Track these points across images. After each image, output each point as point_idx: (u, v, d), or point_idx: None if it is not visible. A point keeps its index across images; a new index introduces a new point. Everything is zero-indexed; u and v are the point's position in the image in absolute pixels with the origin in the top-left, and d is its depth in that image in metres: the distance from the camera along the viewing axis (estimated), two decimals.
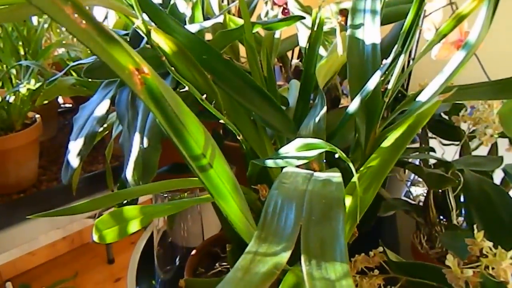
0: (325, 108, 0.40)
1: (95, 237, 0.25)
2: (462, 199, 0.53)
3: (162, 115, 0.23)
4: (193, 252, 0.47)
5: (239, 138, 0.45)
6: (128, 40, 0.49)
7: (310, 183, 0.24)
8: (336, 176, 0.25)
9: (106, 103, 0.44)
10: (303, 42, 0.59)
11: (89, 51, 0.78)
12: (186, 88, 0.42)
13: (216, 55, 0.39)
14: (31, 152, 0.73)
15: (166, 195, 0.60)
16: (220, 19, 0.48)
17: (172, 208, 0.29)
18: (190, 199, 0.32)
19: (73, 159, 0.41)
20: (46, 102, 0.74)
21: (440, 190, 0.52)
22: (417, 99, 0.35)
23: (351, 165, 0.24)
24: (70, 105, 1.12)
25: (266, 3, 0.65)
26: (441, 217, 0.54)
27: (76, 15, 0.18)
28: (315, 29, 0.44)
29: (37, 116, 0.74)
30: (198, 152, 0.25)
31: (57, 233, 1.66)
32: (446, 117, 0.63)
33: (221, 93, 0.40)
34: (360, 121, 0.40)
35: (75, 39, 0.94)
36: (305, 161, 0.28)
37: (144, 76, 0.21)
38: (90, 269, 1.69)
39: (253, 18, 0.63)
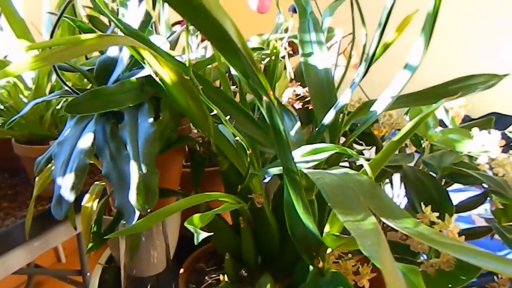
0: (298, 123, 0.48)
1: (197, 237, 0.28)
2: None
3: (271, 120, 0.28)
4: (181, 271, 0.50)
5: (219, 158, 0.50)
6: (95, 74, 0.50)
7: (338, 175, 0.30)
8: (348, 169, 0.32)
9: (90, 136, 0.45)
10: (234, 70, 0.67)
11: (16, 89, 0.74)
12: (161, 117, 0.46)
13: (207, 84, 0.44)
14: None
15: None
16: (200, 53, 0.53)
17: (210, 217, 0.33)
18: (220, 207, 0.36)
19: (67, 194, 0.42)
20: None
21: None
22: (371, 109, 0.45)
23: (364, 161, 0.32)
24: None
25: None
26: None
27: None
28: (272, 57, 0.52)
29: None
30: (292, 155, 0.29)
31: None
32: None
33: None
34: (325, 132, 0.48)
35: None
36: (315, 163, 0.35)
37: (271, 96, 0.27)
38: None
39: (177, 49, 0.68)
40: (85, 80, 0.69)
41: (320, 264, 0.34)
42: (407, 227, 0.22)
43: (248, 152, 0.39)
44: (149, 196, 0.41)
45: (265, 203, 0.45)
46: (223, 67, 0.50)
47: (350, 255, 0.40)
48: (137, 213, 0.41)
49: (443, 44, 2.40)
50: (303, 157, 0.36)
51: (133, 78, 0.47)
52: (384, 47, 0.46)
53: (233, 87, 0.81)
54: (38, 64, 0.27)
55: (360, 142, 0.76)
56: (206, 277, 0.51)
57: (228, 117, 0.36)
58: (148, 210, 0.41)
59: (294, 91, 0.67)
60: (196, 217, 0.30)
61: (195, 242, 0.28)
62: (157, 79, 0.39)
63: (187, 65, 0.37)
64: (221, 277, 0.50)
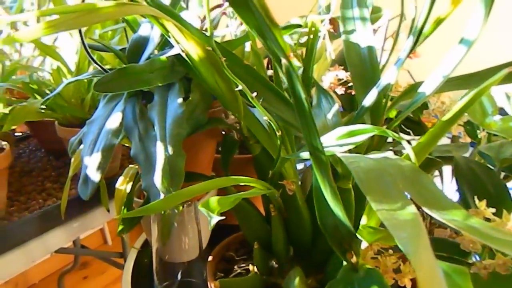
0: (337, 105, 0.44)
1: (213, 220, 0.25)
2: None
3: (291, 87, 0.25)
4: (210, 258, 0.48)
5: (250, 143, 0.47)
6: (127, 53, 0.49)
7: (376, 159, 0.27)
8: (389, 154, 0.28)
9: (118, 116, 0.44)
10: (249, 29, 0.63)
11: (59, 73, 0.75)
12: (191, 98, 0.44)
13: (237, 61, 0.41)
14: (1, 182, 0.68)
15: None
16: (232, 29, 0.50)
17: (234, 201, 0.30)
18: (248, 191, 0.33)
19: (93, 174, 0.41)
20: (14, 127, 0.70)
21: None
22: (419, 91, 0.40)
23: (406, 144, 0.28)
24: (20, 134, 1.05)
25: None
26: None
27: None
28: (311, 36, 0.48)
29: (4, 143, 0.70)
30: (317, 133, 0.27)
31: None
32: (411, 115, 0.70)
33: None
34: (366, 115, 0.44)
35: (31, 60, 0.90)
36: (350, 147, 0.31)
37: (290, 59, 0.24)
38: None
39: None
40: None
41: (354, 259, 0.30)
42: (455, 220, 0.19)
43: (277, 134, 0.36)
44: (174, 179, 0.39)
45: (298, 191, 0.42)
46: (255, 44, 0.47)
47: (390, 251, 0.36)
48: (162, 196, 0.40)
49: (503, 19, 2.21)
50: (338, 140, 0.32)
51: (163, 57, 0.45)
52: (436, 22, 0.41)
53: (270, 71, 0.78)
54: (50, 31, 0.25)
55: (408, 130, 0.70)
56: (235, 266, 0.48)
57: (255, 93, 0.33)
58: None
59: (336, 75, 0.63)
60: (213, 200, 0.27)
61: (209, 228, 0.26)
62: (183, 54, 0.37)
63: (208, 34, 0.35)
64: (250, 267, 0.47)
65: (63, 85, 0.50)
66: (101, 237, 1.93)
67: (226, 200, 0.29)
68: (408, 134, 0.70)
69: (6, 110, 0.64)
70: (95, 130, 0.44)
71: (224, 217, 0.27)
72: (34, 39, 0.83)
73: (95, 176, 0.41)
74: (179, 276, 0.62)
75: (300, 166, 0.70)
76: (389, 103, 0.48)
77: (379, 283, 0.26)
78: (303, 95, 0.27)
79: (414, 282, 0.37)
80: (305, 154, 0.35)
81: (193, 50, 0.36)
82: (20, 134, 1.05)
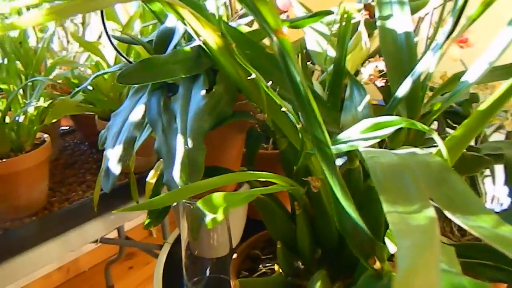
0: (368, 97, 0.41)
1: (208, 219, 0.24)
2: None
3: (285, 70, 0.23)
4: (234, 256, 0.46)
5: (277, 137, 0.45)
6: (154, 45, 0.48)
7: (400, 155, 0.24)
8: (416, 149, 0.25)
9: (141, 108, 0.43)
10: (310, 45, 0.60)
11: (98, 67, 0.77)
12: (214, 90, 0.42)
13: (260, 50, 0.39)
14: (42, 173, 0.70)
15: (189, 202, 0.59)
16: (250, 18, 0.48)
17: (246, 198, 0.28)
18: (263, 188, 0.31)
19: (114, 166, 0.40)
20: (54, 121, 0.72)
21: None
22: (462, 80, 0.36)
23: (437, 138, 0.24)
24: (68, 127, 1.10)
25: None
26: None
27: None
28: (343, 23, 0.45)
29: (46, 136, 0.72)
30: (320, 121, 0.24)
31: (51, 264, 1.60)
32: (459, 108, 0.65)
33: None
34: (401, 107, 0.40)
35: (77, 57, 0.93)
36: (375, 141, 0.28)
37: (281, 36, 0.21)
38: None
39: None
40: None
41: (377, 265, 0.27)
42: (481, 227, 0.15)
43: (298, 126, 0.33)
44: (193, 173, 0.38)
45: (324, 188, 0.39)
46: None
47: None
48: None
49: None
50: (362, 133, 0.29)
51: (187, 48, 0.44)
52: (485, 4, 0.37)
53: (308, 63, 0.75)
54: (51, 17, 0.24)
55: (455, 125, 0.65)
56: (260, 266, 0.46)
57: (270, 82, 0.31)
58: None
59: (376, 66, 0.59)
60: (218, 196, 0.25)
61: (207, 226, 0.24)
62: (200, 42, 0.35)
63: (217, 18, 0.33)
64: (275, 267, 0.45)
65: (91, 79, 0.50)
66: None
67: (236, 196, 0.27)
68: (455, 129, 0.64)
69: (46, 104, 0.66)
70: (119, 122, 0.44)
71: (218, 216, 0.25)
72: (75, 38, 0.85)
73: (116, 168, 0.40)
74: (207, 272, 0.62)
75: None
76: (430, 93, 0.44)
77: None
78: (297, 78, 0.24)
79: None
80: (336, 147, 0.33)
81: (211, 38, 0.34)
82: (66, 128, 1.09)
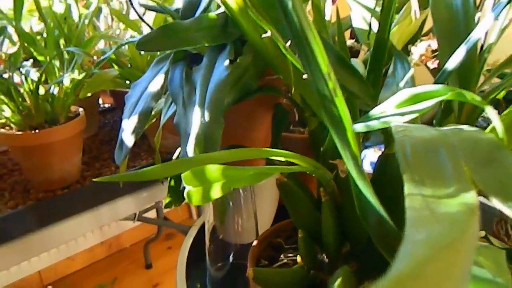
0: (412, 71, 0.35)
1: (186, 192, 0.21)
2: None
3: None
4: (255, 243, 0.43)
5: (306, 115, 0.40)
6: (181, 13, 0.45)
7: (440, 130, 0.19)
8: (464, 126, 0.20)
9: (160, 78, 0.41)
10: (356, 22, 0.55)
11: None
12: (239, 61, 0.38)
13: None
14: (75, 146, 0.70)
15: None
16: None
17: (254, 176, 0.24)
18: (277, 166, 0.27)
19: (128, 138, 0.38)
20: (89, 95, 0.71)
21: None
22: None
23: (491, 111, 0.19)
24: (109, 105, 1.11)
25: None
26: None
27: None
28: None
29: (81, 109, 0.72)
30: (324, 70, 0.20)
31: (95, 237, 1.66)
32: None
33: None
34: (452, 83, 0.34)
35: (117, 32, 0.93)
36: (414, 115, 0.23)
37: None
38: (128, 275, 1.67)
39: None
40: None
41: None
42: None
43: (306, 114, 0.28)
44: (208, 149, 0.35)
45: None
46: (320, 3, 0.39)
47: None
48: None
49: None
50: (398, 108, 0.24)
51: (212, 14, 0.40)
52: None
53: (351, 41, 0.69)
54: None
55: None
56: (282, 255, 0.43)
57: (289, 43, 0.27)
58: None
59: (429, 45, 0.53)
60: (214, 168, 0.21)
61: (186, 199, 0.20)
62: (219, 1, 0.31)
63: None
64: (298, 258, 0.41)
65: (112, 51, 0.48)
66: (187, 211, 2.01)
67: (239, 172, 0.23)
68: None
69: (80, 76, 0.65)
70: (137, 93, 0.41)
71: (213, 192, 0.21)
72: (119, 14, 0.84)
73: (129, 140, 0.38)
74: (231, 259, 0.59)
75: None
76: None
77: None
78: (290, 4, 0.19)
79: None
80: (359, 126, 0.28)
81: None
82: (108, 105, 1.10)
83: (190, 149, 0.34)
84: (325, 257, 0.40)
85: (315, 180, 0.41)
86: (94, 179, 0.23)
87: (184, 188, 0.49)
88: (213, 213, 0.58)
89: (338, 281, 0.29)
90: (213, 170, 0.21)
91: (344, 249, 0.39)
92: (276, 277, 0.37)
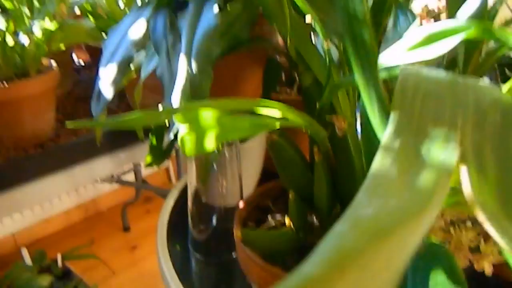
0: (417, 20, 0.33)
1: (179, 138, 0.18)
2: None
3: None
4: (241, 204, 0.41)
5: (300, 70, 0.38)
6: None
7: (454, 77, 0.16)
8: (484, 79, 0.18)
9: (142, 23, 0.37)
10: None
11: None
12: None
13: None
14: (48, 102, 0.66)
15: None
16: None
17: (250, 128, 0.22)
18: (274, 118, 0.24)
19: (106, 88, 0.35)
20: (63, 48, 0.67)
21: None
22: None
23: None
24: (85, 62, 1.05)
25: None
26: None
27: None
28: None
29: (54, 63, 0.67)
30: None
31: (71, 200, 1.63)
32: None
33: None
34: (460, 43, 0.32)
35: None
36: (429, 58, 0.21)
37: None
38: (106, 237, 1.66)
39: None
40: None
41: None
42: None
43: (324, 45, 0.26)
44: (195, 100, 0.32)
45: (351, 133, 0.32)
46: None
47: (469, 224, 0.26)
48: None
49: None
50: (410, 50, 0.22)
51: None
52: None
53: None
54: None
55: None
56: (269, 218, 0.41)
57: None
58: None
59: (426, 6, 0.52)
60: (209, 115, 0.19)
61: (179, 145, 0.18)
62: None
63: None
64: (286, 221, 0.40)
65: None
66: (166, 175, 1.98)
67: (235, 122, 0.20)
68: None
69: (52, 27, 0.60)
70: (116, 40, 0.38)
71: (207, 142, 0.19)
72: None
73: (107, 91, 0.35)
74: (214, 222, 0.57)
75: None
76: None
77: (446, 263, 0.17)
78: None
79: (496, 268, 0.27)
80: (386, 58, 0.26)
81: None
82: (83, 63, 1.04)
83: (176, 100, 0.32)
84: (315, 219, 0.38)
85: (306, 143, 0.39)
86: (67, 122, 0.20)
87: (166, 147, 0.47)
88: (195, 175, 0.55)
89: None
90: (208, 116, 0.19)
91: (334, 211, 0.38)
92: (265, 239, 0.35)
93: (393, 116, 0.12)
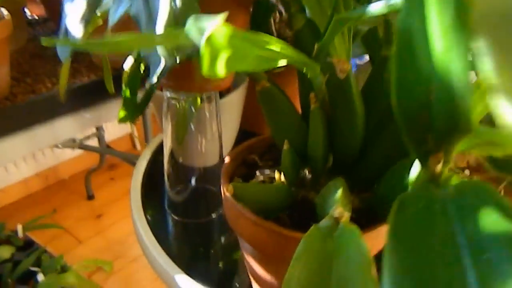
0: None
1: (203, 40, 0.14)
2: None
3: None
4: (227, 159, 0.38)
5: (291, 11, 0.35)
6: None
7: None
8: None
9: None
10: None
11: None
12: None
13: None
14: (1, 56, 0.59)
15: (175, 97, 0.49)
16: None
17: (258, 60, 0.19)
18: (281, 53, 0.21)
19: (75, 26, 0.30)
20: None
21: None
22: None
23: None
24: (39, 17, 0.96)
25: None
26: None
27: None
28: None
29: (5, 11, 0.60)
30: None
31: (29, 168, 1.54)
32: None
33: None
34: None
35: None
36: None
37: None
38: (69, 206, 1.59)
39: None
40: None
41: (439, 168, 0.19)
42: None
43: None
44: None
45: (353, 76, 0.30)
46: None
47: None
48: (163, 64, 0.29)
49: None
50: None
51: None
52: None
53: None
54: None
55: None
56: (257, 173, 0.39)
57: None
58: (178, 61, 0.28)
59: None
60: (222, 34, 0.15)
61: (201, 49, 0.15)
62: None
63: None
64: (276, 175, 0.37)
65: None
66: (129, 141, 1.91)
67: (245, 45, 0.17)
68: None
69: None
70: None
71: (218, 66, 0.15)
72: None
73: (77, 29, 0.30)
74: (193, 182, 0.54)
75: None
76: None
77: (494, 199, 0.15)
78: None
79: None
80: (375, 7, 0.23)
81: None
82: (37, 17, 0.95)
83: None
84: (307, 172, 0.36)
85: (296, 96, 0.36)
86: (42, 38, 0.16)
87: (141, 100, 0.43)
88: (172, 134, 0.52)
89: (339, 192, 0.26)
90: (223, 35, 0.15)
91: (327, 165, 0.36)
92: (258, 192, 0.33)
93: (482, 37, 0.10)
